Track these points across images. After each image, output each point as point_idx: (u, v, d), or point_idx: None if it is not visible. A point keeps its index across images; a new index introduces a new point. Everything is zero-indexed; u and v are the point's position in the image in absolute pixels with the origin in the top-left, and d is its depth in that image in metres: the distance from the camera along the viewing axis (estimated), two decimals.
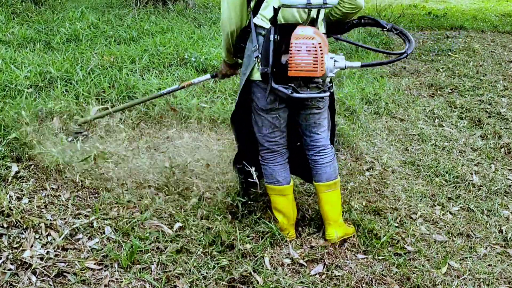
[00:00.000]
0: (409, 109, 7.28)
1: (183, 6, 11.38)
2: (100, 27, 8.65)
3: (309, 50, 3.39)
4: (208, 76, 4.73)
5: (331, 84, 3.71)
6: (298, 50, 3.40)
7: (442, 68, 9.58)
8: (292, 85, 3.52)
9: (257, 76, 3.77)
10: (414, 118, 6.95)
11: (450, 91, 8.22)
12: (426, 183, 5.32)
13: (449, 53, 10.80)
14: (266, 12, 3.66)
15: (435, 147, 6.14)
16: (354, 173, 5.37)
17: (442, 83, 8.48)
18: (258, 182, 4.27)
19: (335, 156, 4.22)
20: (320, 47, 3.39)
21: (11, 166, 4.64)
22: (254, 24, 3.70)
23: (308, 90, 3.56)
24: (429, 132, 6.51)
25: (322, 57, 3.41)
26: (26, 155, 4.84)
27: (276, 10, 3.51)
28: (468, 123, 6.95)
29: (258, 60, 3.66)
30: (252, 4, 3.70)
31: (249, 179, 4.22)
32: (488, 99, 7.83)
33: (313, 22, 3.66)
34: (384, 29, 3.87)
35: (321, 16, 3.72)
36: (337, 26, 4.04)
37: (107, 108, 5.34)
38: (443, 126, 6.80)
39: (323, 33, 3.76)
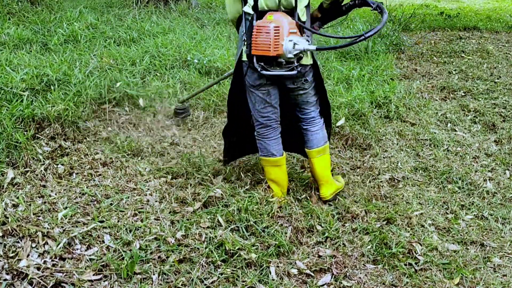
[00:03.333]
0: (421, 113, 7.28)
1: (185, 5, 11.40)
2: (99, 28, 8.66)
3: (267, 33, 3.99)
4: None
5: (298, 64, 4.23)
6: (259, 32, 4.05)
7: (455, 70, 9.58)
8: (262, 63, 4.23)
9: (245, 57, 4.38)
10: (426, 122, 6.95)
11: (463, 94, 8.21)
12: (438, 190, 5.32)
13: (462, 55, 10.80)
14: (250, 0, 4.27)
15: (447, 153, 6.13)
16: (363, 179, 5.37)
17: (454, 86, 8.48)
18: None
19: (324, 125, 4.78)
20: (276, 30, 3.99)
21: (7, 172, 4.66)
22: (244, 11, 4.33)
23: (278, 68, 4.22)
24: (441, 136, 6.50)
25: (276, 39, 3.99)
26: (23, 161, 4.86)
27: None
28: (482, 128, 6.94)
29: (245, 43, 4.30)
30: None
31: (231, 149, 5.14)
32: (503, 102, 7.82)
33: (291, 10, 4.21)
34: (371, 8, 4.25)
35: (300, 4, 4.23)
36: (334, 11, 4.51)
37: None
38: (456, 131, 6.79)
39: (301, 21, 4.24)
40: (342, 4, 4.47)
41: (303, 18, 4.28)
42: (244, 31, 4.33)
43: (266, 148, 4.72)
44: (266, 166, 4.80)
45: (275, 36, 3.99)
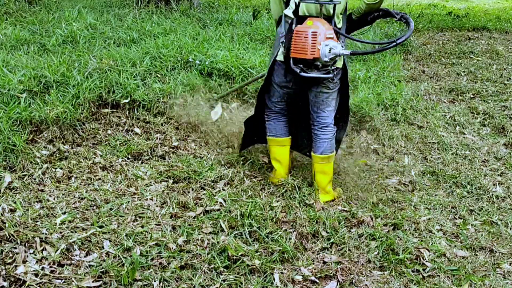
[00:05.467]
0: (428, 115, 7.28)
1: (187, 5, 11.39)
2: (99, 28, 8.65)
3: (305, 37, 4.39)
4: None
5: (334, 68, 4.65)
6: (297, 37, 4.44)
7: (464, 71, 9.57)
8: (301, 65, 4.57)
9: (280, 57, 4.80)
10: (434, 125, 6.95)
11: (472, 96, 8.21)
12: (447, 195, 5.32)
13: (471, 56, 10.79)
14: (292, 4, 4.66)
15: (456, 156, 6.13)
16: (370, 183, 5.37)
17: (463, 88, 8.47)
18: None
19: (334, 135, 5.05)
20: (314, 35, 4.38)
21: (4, 176, 4.66)
22: (284, 14, 4.72)
23: (315, 71, 4.57)
24: (449, 140, 6.50)
25: (313, 43, 4.38)
26: (20, 164, 4.86)
27: (297, 4, 4.57)
28: (491, 131, 6.95)
29: (283, 45, 4.69)
30: None
31: (250, 138, 5.52)
32: None
33: (329, 17, 4.59)
34: (396, 19, 4.73)
35: (337, 11, 4.61)
36: (361, 22, 4.94)
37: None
38: (465, 134, 6.79)
39: (338, 27, 4.66)
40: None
41: (339, 25, 4.73)
42: (284, 33, 4.71)
43: (274, 128, 5.21)
44: (272, 146, 5.28)
45: (312, 40, 4.38)
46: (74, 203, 4.51)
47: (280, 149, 5.24)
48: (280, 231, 4.36)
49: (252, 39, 9.24)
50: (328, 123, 4.98)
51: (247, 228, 4.33)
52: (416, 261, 4.21)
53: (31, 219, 4.13)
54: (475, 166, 5.89)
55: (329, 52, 4.42)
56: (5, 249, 3.73)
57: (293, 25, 4.58)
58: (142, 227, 4.25)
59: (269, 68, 4.95)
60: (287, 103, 5.13)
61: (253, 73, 7.31)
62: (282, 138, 5.22)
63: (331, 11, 4.57)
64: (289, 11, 4.68)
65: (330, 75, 4.62)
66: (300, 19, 4.59)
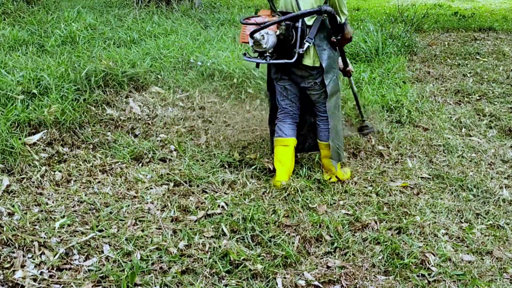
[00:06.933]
0: (434, 117, 7.27)
1: (188, 5, 11.41)
2: (98, 29, 8.67)
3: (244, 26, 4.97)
4: None
5: (268, 55, 4.94)
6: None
7: (470, 73, 9.56)
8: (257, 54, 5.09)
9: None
10: (439, 127, 6.94)
11: (478, 98, 8.20)
12: (452, 198, 5.30)
13: (477, 57, 10.78)
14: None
15: (462, 159, 6.12)
16: (374, 186, 5.36)
17: (469, 89, 8.47)
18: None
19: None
20: (244, 23, 4.96)
21: (2, 179, 4.66)
22: None
23: (257, 58, 5.06)
24: (455, 142, 6.49)
25: (243, 31, 4.92)
26: (18, 167, 4.86)
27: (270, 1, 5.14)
28: (498, 133, 6.93)
29: None
30: None
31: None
32: None
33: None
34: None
35: (303, 8, 4.87)
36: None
37: None
38: (471, 136, 6.78)
39: (307, 24, 4.90)
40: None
41: (309, 22, 4.94)
42: None
43: (280, 129, 5.44)
44: (277, 146, 5.45)
45: (243, 29, 4.95)
46: (73, 207, 4.50)
47: (283, 149, 5.38)
48: (283, 235, 4.35)
49: None
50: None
51: (249, 232, 4.32)
52: (421, 265, 4.19)
53: (29, 223, 4.13)
54: (481, 169, 5.88)
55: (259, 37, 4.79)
56: (3, 253, 3.72)
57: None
58: (142, 231, 4.24)
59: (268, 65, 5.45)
60: (291, 102, 5.42)
61: (256, 75, 7.31)
62: (286, 138, 5.39)
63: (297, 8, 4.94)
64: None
65: (261, 61, 5.00)
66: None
